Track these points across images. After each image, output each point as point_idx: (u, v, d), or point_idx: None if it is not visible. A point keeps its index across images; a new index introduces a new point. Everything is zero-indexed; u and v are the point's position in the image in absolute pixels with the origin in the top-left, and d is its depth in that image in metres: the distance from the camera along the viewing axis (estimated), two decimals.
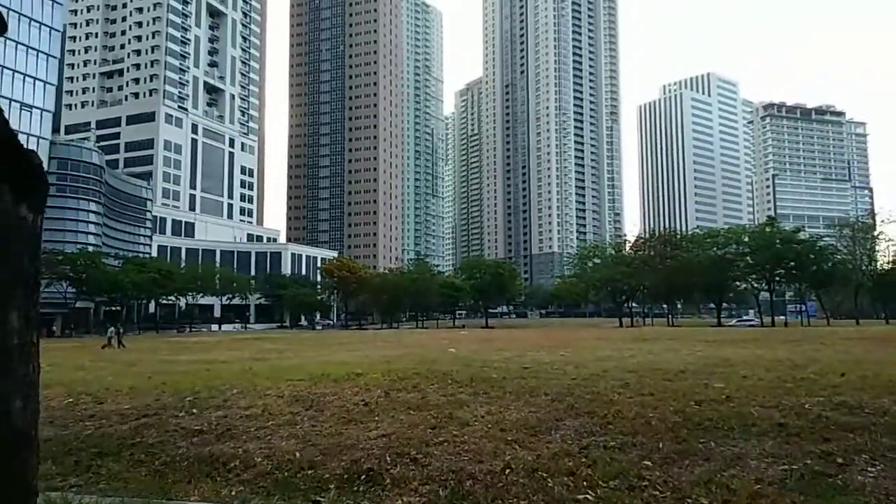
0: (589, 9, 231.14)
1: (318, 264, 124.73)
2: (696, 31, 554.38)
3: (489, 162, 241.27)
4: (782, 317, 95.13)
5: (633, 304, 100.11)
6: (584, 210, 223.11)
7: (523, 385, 11.73)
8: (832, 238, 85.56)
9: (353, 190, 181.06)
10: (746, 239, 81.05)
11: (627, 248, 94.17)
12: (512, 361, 17.48)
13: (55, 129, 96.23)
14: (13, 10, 77.53)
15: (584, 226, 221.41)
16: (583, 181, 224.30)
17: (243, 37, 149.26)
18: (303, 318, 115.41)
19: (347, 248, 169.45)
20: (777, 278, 78.95)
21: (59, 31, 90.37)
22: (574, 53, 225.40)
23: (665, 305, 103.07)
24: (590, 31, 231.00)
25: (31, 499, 3.63)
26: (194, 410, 9.82)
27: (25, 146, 4.15)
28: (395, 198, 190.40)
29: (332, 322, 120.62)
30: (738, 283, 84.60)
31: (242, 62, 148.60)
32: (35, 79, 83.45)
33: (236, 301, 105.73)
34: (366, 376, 13.36)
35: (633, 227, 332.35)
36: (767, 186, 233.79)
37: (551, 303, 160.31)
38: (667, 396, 10.09)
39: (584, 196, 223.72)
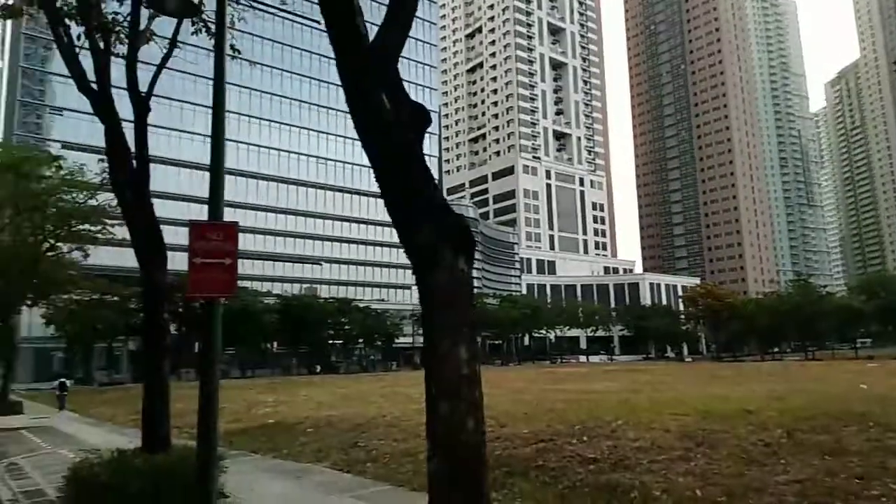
0: None
1: (679, 293, 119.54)
2: None
3: (880, 157, 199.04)
4: None
5: None
6: None
7: None
8: None
9: (710, 211, 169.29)
10: None
11: None
12: None
13: None
14: None
15: None
16: None
17: (584, 80, 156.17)
18: (669, 349, 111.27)
19: (710, 274, 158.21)
20: None
21: (435, 111, 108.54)
22: None
23: None
24: None
25: None
26: (585, 438, 10.30)
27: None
28: (760, 213, 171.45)
29: (702, 353, 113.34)
30: None
31: (585, 104, 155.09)
32: (426, 155, 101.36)
33: (600, 333, 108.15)
34: (758, 414, 12.16)
35: None
36: None
37: None
38: None
39: None
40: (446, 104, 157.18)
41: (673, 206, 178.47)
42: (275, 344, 77.86)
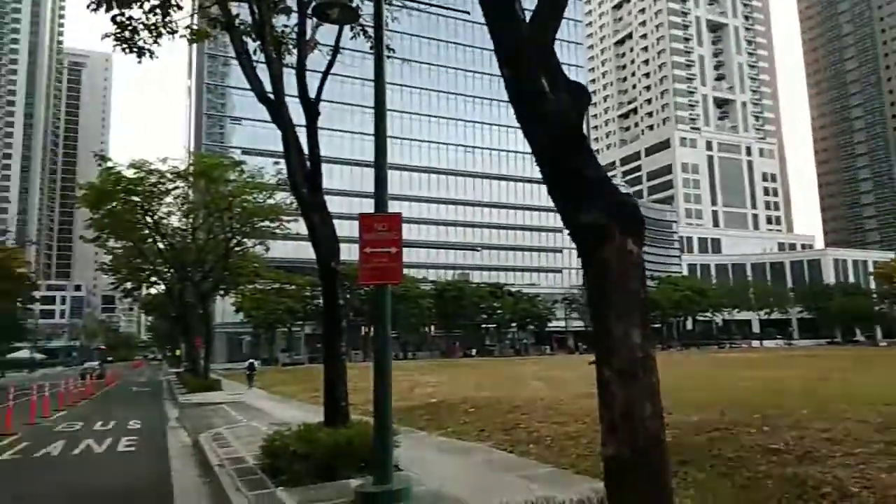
0: None
1: (870, 269, 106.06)
2: None
3: None
4: None
5: None
6: None
7: None
8: None
9: None
10: None
11: None
12: None
13: None
14: None
15: None
16: None
17: (748, 41, 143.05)
18: (858, 332, 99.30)
19: None
20: None
21: None
22: None
23: None
24: None
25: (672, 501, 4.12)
26: (765, 428, 9.57)
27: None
28: None
29: None
30: None
31: (750, 66, 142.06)
32: None
33: (775, 316, 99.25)
34: None
35: None
36: None
37: None
38: None
39: None
40: (593, 80, 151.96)
41: (860, 171, 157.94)
42: (432, 328, 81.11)
